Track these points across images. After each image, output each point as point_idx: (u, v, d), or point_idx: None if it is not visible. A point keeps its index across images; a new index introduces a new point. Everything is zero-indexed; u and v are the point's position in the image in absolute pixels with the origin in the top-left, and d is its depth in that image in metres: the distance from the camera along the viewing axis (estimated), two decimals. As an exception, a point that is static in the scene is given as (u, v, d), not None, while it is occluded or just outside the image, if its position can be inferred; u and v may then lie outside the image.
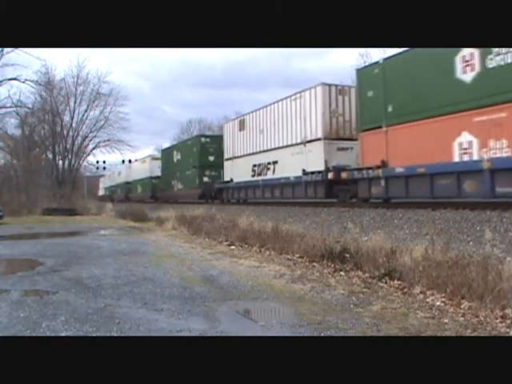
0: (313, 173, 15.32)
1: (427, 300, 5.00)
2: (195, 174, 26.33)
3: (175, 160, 30.49)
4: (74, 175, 46.92)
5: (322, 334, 3.98)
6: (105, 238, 14.45)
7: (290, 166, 16.76)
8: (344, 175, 13.78)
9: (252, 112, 20.30)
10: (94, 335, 4.05)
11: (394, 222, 9.95)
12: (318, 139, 15.21)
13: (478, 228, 7.99)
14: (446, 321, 4.29)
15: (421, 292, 5.23)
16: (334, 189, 14.64)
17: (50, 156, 45.12)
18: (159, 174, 35.07)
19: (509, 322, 4.09)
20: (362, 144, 13.24)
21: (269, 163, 18.54)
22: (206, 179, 25.59)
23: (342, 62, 62.79)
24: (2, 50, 31.61)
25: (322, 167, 14.92)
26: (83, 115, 46.11)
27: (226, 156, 22.95)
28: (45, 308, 5.06)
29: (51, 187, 37.77)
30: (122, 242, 12.36)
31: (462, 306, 4.61)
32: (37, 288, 6.28)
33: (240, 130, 21.35)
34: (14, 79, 32.58)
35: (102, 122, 46.75)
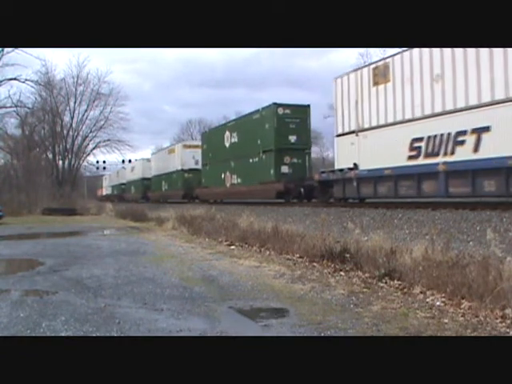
0: None
1: (427, 300, 5.00)
2: (268, 161, 18.42)
3: (227, 144, 22.69)
4: (73, 175, 46.93)
5: (322, 334, 3.98)
6: (105, 237, 14.46)
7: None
8: None
9: (405, 51, 12.01)
10: (94, 335, 4.05)
11: (394, 221, 9.95)
12: None
13: (478, 228, 8.00)
14: (446, 321, 4.29)
15: (421, 292, 5.23)
16: None
17: (50, 156, 45.16)
18: (195, 165, 28.45)
19: (509, 321, 4.09)
20: None
21: (460, 133, 10.49)
22: (284, 169, 17.87)
23: (344, 61, 62.82)
24: (2, 50, 31.66)
25: None
26: (83, 115, 46.20)
27: (339, 130, 14.63)
28: (45, 308, 5.06)
29: (51, 187, 37.78)
30: (122, 241, 12.36)
31: (462, 306, 4.61)
32: (37, 288, 6.28)
33: (376, 84, 13.05)
34: (14, 79, 32.65)
35: (102, 122, 46.82)
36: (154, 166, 36.83)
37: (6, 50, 31.29)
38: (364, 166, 13.36)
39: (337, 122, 14.84)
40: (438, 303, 4.86)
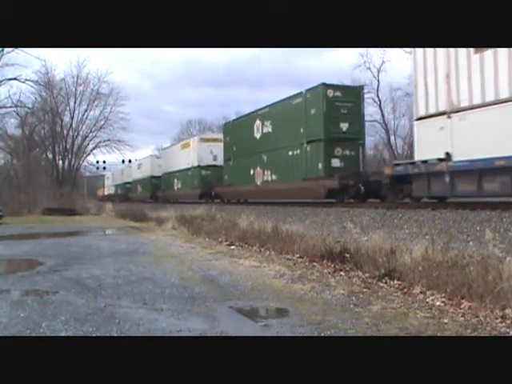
0: None
1: (427, 300, 5.00)
2: (314, 154, 15.40)
3: (257, 135, 19.55)
4: (73, 175, 46.95)
5: (322, 334, 3.98)
6: (105, 237, 14.46)
7: None
8: None
9: None
10: (94, 335, 4.05)
11: (394, 221, 9.95)
12: None
13: (478, 228, 8.00)
14: (445, 321, 4.29)
15: (421, 292, 5.23)
16: None
17: (50, 156, 45.19)
18: (213, 161, 25.95)
19: (509, 321, 4.09)
20: None
21: None
22: (335, 163, 15.08)
23: (345, 61, 62.80)
24: (2, 50, 31.65)
25: None
26: (83, 115, 46.25)
27: (420, 112, 11.34)
28: (45, 308, 5.05)
29: (51, 187, 37.78)
30: (121, 241, 12.35)
31: (462, 306, 4.61)
32: (37, 288, 6.27)
33: (479, 51, 9.70)
34: (14, 79, 32.66)
35: (102, 122, 46.87)
36: (165, 162, 32.98)
37: (5, 49, 31.31)
38: (461, 155, 10.08)
39: (417, 103, 11.55)
40: (437, 303, 4.86)
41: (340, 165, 15.10)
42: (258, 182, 19.35)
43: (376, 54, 45.43)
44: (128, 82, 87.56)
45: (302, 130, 16.17)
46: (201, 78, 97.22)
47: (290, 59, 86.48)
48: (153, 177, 36.25)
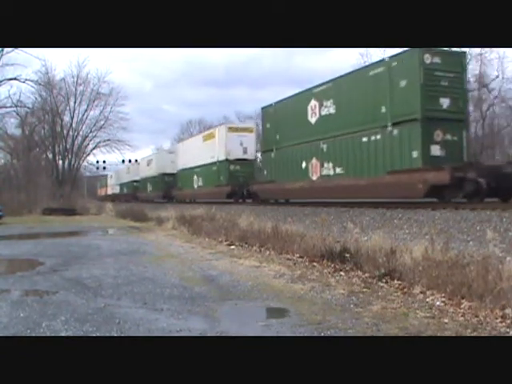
0: None
1: (427, 300, 5.00)
2: (406, 138, 11.83)
3: (313, 119, 15.40)
4: (73, 175, 46.96)
5: (322, 334, 3.98)
6: (105, 237, 14.46)
7: None
8: None
9: None
10: (94, 335, 4.05)
11: (394, 221, 9.95)
12: None
13: (477, 228, 7.99)
14: (446, 321, 4.29)
15: (421, 292, 5.23)
16: None
17: (50, 156, 45.21)
18: (244, 154, 22.40)
19: (509, 321, 4.09)
20: None
21: None
22: (435, 150, 11.50)
23: (346, 60, 62.62)
24: (2, 50, 31.67)
25: None
26: (83, 115, 46.27)
27: None
28: (45, 308, 5.05)
29: (51, 187, 37.79)
30: (122, 241, 12.36)
31: (462, 306, 4.61)
32: (37, 288, 6.27)
33: None
34: (14, 79, 32.67)
35: (102, 122, 46.89)
36: (181, 157, 29.02)
37: (5, 49, 31.32)
38: None
39: None
40: (437, 303, 4.86)
41: (441, 153, 11.47)
42: (314, 177, 15.18)
43: (376, 53, 45.37)
44: (128, 81, 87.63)
45: (383, 109, 12.33)
46: (201, 77, 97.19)
47: (291, 59, 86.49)
48: (165, 174, 32.42)
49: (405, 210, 10.76)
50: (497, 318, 4.18)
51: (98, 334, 4.07)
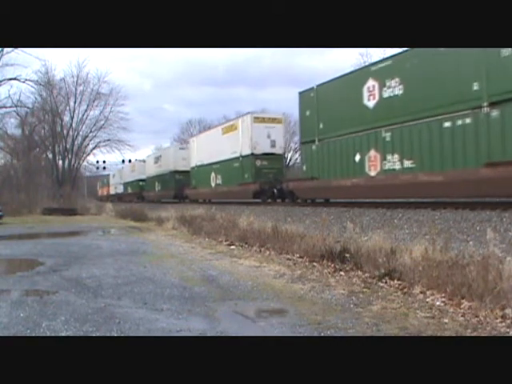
0: None
1: (427, 300, 5.00)
2: None
3: (371, 103, 12.95)
4: (73, 175, 46.99)
5: (322, 334, 3.98)
6: (105, 237, 14.45)
7: None
8: None
9: None
10: (93, 335, 4.05)
11: (394, 221, 9.95)
12: None
13: (477, 228, 8.00)
14: (446, 321, 4.29)
15: (421, 292, 5.23)
16: None
17: (50, 156, 45.27)
18: (272, 148, 19.96)
19: (509, 321, 4.09)
20: None
21: None
22: None
23: (347, 60, 62.67)
24: (2, 50, 31.68)
25: None
26: (83, 115, 46.38)
27: None
28: (45, 308, 5.06)
29: (51, 187, 37.85)
30: (121, 241, 12.36)
31: (462, 306, 4.61)
32: (37, 288, 6.28)
33: None
34: (14, 79, 32.68)
35: (102, 122, 46.97)
36: (197, 153, 26.19)
37: (5, 49, 31.34)
38: None
39: None
40: (437, 303, 4.86)
41: None
42: (372, 173, 12.89)
43: (376, 53, 45.43)
44: (128, 81, 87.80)
45: (476, 86, 10.02)
46: (201, 77, 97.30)
47: (291, 59, 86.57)
48: (176, 172, 29.66)
49: (405, 210, 10.77)
50: (497, 318, 4.18)
51: (98, 334, 4.07)
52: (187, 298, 5.49)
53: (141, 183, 39.59)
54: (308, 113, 15.90)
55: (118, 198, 44.56)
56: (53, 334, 4.07)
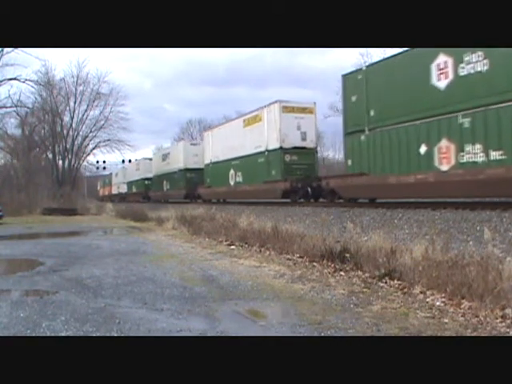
0: None
1: (427, 300, 5.00)
2: None
3: (443, 83, 10.75)
4: (73, 175, 47.00)
5: (322, 334, 3.98)
6: (105, 237, 14.45)
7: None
8: None
9: None
10: (93, 335, 4.05)
11: (394, 221, 9.95)
12: None
13: (478, 228, 7.99)
14: (446, 321, 4.29)
15: (421, 292, 5.23)
16: None
17: (50, 156, 45.29)
18: (304, 141, 17.67)
19: (509, 321, 4.09)
20: None
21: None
22: None
23: (347, 60, 62.64)
24: (2, 50, 31.71)
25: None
26: (83, 115, 46.39)
27: None
28: (45, 308, 5.06)
29: (51, 187, 37.85)
30: (122, 241, 12.36)
31: (462, 306, 4.61)
32: (37, 288, 6.28)
33: None
34: (14, 79, 32.72)
35: (102, 122, 46.98)
36: (212, 148, 23.82)
37: (5, 49, 31.36)
38: None
39: None
40: (438, 303, 4.86)
41: None
42: (444, 167, 10.76)
43: (376, 53, 45.39)
44: (128, 80, 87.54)
45: None
46: (201, 76, 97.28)
47: (292, 58, 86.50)
48: (187, 169, 27.64)
49: (405, 210, 10.76)
50: (497, 318, 4.18)
51: (98, 334, 4.07)
52: (187, 297, 5.49)
53: (146, 182, 37.36)
54: (354, 98, 13.62)
55: (121, 198, 43.00)
56: (53, 334, 4.07)
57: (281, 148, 17.43)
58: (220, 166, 22.68)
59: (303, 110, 17.92)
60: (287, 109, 17.60)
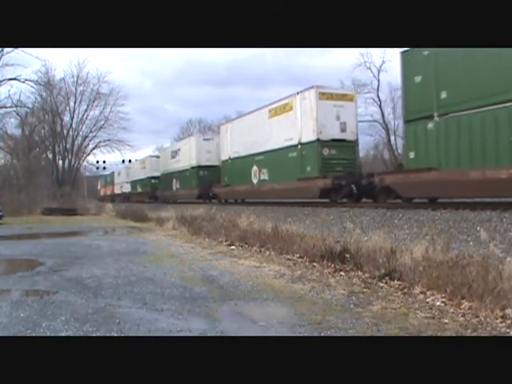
0: None
1: (427, 300, 5.00)
2: None
3: None
4: (73, 175, 47.00)
5: (322, 334, 3.98)
6: (105, 237, 14.45)
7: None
8: None
9: None
10: (93, 335, 4.05)
11: (394, 221, 9.95)
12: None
13: (478, 228, 7.99)
14: (446, 321, 4.29)
15: (421, 292, 5.23)
16: None
17: (50, 156, 45.29)
18: (343, 133, 15.67)
19: (509, 321, 4.09)
20: None
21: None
22: None
23: (348, 59, 62.57)
24: (2, 50, 31.71)
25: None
26: (83, 115, 46.39)
27: None
28: (45, 308, 5.06)
29: (51, 187, 37.84)
30: (122, 241, 12.35)
31: (462, 306, 4.61)
32: (37, 288, 6.27)
33: None
34: (14, 79, 32.73)
35: (102, 122, 46.98)
36: (231, 143, 21.52)
37: (5, 49, 31.36)
38: None
39: None
40: (438, 303, 4.86)
41: None
42: None
43: (376, 53, 45.42)
44: (128, 80, 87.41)
45: None
46: (201, 76, 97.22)
47: (292, 58, 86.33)
48: (200, 167, 25.62)
49: (405, 210, 10.77)
50: (497, 319, 4.18)
51: (98, 334, 4.07)
52: (187, 298, 5.49)
53: (153, 181, 34.81)
54: (419, 79, 11.47)
55: (124, 198, 41.01)
56: (53, 334, 4.07)
57: (318, 140, 15.18)
58: (240, 163, 20.44)
59: (343, 96, 15.89)
60: (325, 95, 15.35)
